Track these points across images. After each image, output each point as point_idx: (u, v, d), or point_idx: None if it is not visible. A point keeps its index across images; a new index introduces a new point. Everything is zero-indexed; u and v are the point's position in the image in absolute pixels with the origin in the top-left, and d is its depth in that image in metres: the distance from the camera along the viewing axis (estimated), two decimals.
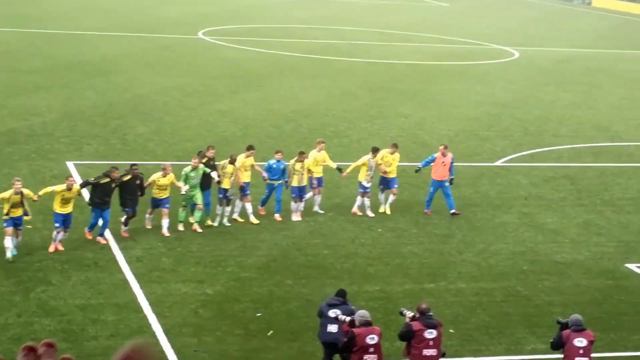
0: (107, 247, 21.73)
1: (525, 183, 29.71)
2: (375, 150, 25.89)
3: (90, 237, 22.05)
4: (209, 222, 24.06)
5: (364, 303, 17.79)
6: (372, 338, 14.99)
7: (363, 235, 24.06)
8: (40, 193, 21.54)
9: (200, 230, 23.28)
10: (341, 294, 16.36)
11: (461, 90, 46.96)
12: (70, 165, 28.37)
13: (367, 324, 15.11)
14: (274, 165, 24.95)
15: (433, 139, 34.88)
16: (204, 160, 24.27)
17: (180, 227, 23.29)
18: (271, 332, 17.88)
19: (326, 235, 23.84)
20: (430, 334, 15.20)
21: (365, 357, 14.84)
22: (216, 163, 24.60)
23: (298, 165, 24.95)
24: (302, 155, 25.16)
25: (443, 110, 41.36)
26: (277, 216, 24.76)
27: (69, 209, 21.52)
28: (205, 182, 24.07)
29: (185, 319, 18.20)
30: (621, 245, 24.43)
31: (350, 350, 14.91)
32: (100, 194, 21.99)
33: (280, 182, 24.86)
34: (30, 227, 21.41)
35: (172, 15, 72.40)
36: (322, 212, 25.16)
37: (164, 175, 23.33)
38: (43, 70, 45.29)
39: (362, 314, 15.28)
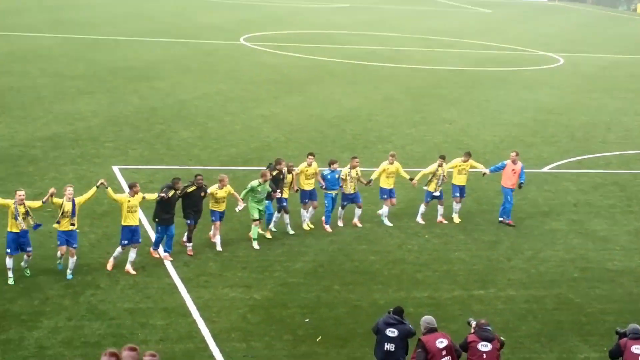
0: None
1: (573, 190, 29.44)
2: (442, 158, 25.55)
3: (156, 255, 21.43)
4: (268, 234, 23.63)
5: (413, 310, 17.62)
6: (442, 342, 14.86)
7: (410, 241, 23.91)
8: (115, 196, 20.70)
9: (257, 247, 22.59)
10: (398, 311, 16.21)
11: (505, 96, 46.77)
12: (115, 169, 28.50)
13: (432, 330, 15.00)
14: (329, 176, 24.44)
15: (478, 145, 34.73)
16: (274, 173, 23.34)
17: (256, 246, 22.65)
18: (320, 337, 17.78)
19: (372, 242, 23.68)
20: (485, 346, 15.03)
21: None
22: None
23: (354, 172, 24.58)
24: (354, 160, 24.79)
25: (487, 116, 41.23)
26: (327, 227, 24.50)
27: (135, 220, 20.63)
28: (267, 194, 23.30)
29: (233, 323, 18.11)
30: None
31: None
32: (165, 207, 21.04)
33: (337, 191, 24.51)
34: (76, 229, 21.22)
35: (214, 22, 72.94)
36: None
37: (221, 187, 22.24)
38: (86, 76, 45.70)
39: (427, 320, 15.16)
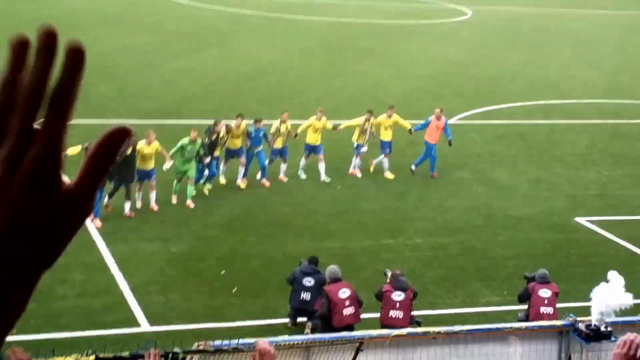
0: None
1: (478, 140, 29.81)
2: (370, 112, 25.47)
3: (99, 225, 20.27)
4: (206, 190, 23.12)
5: (325, 259, 17.73)
6: (344, 292, 15.09)
7: (323, 193, 24.01)
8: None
9: (192, 205, 22.04)
10: (313, 261, 16.40)
11: (416, 49, 46.85)
12: None
13: (336, 280, 15.22)
14: (253, 134, 23.85)
15: (389, 97, 34.68)
16: (212, 137, 22.63)
17: (190, 204, 22.07)
18: (235, 289, 17.90)
19: (287, 194, 23.73)
20: (398, 296, 15.32)
21: (343, 311, 14.96)
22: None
23: (283, 127, 24.31)
24: (284, 115, 24.51)
25: (399, 69, 41.28)
26: (264, 181, 24.11)
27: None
28: (211, 153, 22.70)
29: (151, 277, 18.14)
30: (569, 199, 24.66)
31: (330, 310, 15.00)
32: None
33: (260, 148, 24.10)
34: None
35: None
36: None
37: (148, 144, 21.17)
38: (4, 28, 44.48)
39: (332, 270, 15.38)
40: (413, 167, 25.78)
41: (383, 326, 14.96)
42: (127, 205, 21.11)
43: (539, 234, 22.19)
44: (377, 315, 16.03)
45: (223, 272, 18.64)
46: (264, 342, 6.33)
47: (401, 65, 42.03)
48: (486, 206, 23.92)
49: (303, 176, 24.84)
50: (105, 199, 21.12)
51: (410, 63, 42.81)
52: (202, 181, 22.97)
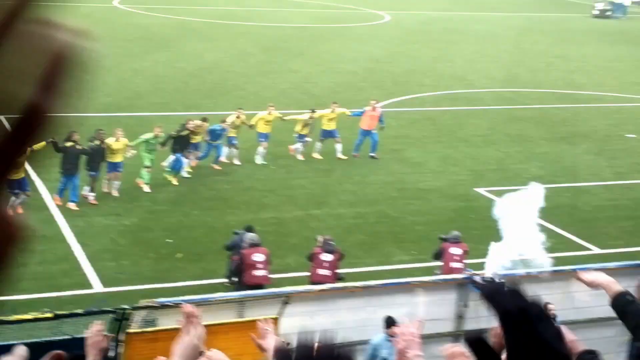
0: (37, 189, 20.79)
1: (394, 125, 29.83)
2: (313, 111, 25.40)
3: (59, 202, 20.00)
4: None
5: (260, 228, 17.75)
6: (259, 256, 15.13)
7: (259, 172, 23.99)
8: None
9: (148, 189, 21.59)
10: (248, 229, 16.38)
11: (340, 48, 46.93)
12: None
13: (254, 245, 15.23)
14: (218, 132, 23.74)
15: (318, 89, 34.99)
16: (183, 133, 22.38)
17: (146, 189, 21.62)
18: (180, 254, 17.84)
19: (228, 174, 23.64)
20: (326, 257, 15.42)
21: (254, 272, 15.00)
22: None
23: (238, 121, 24.28)
24: (240, 111, 24.64)
25: (326, 66, 41.36)
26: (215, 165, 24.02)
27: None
28: (180, 147, 22.37)
29: (104, 246, 17.99)
30: (472, 173, 24.94)
31: (242, 269, 15.04)
32: (70, 159, 19.70)
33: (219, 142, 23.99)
34: None
35: None
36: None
37: (117, 140, 20.85)
38: None
39: (250, 236, 15.41)
40: (354, 153, 25.86)
41: (312, 283, 15.03)
42: (92, 194, 20.57)
43: (445, 202, 22.45)
44: (304, 273, 16.13)
45: (168, 240, 18.58)
46: (187, 305, 6.25)
47: (327, 63, 42.11)
48: (400, 181, 24.11)
49: (259, 161, 24.71)
50: (87, 191, 20.58)
51: (335, 61, 42.91)
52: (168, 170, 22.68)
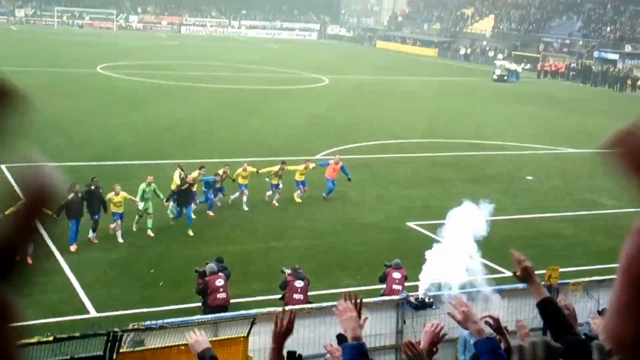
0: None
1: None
2: (284, 163, 24.98)
3: (75, 249, 19.20)
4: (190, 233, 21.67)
5: (229, 258, 17.59)
6: (220, 281, 15.03)
7: (227, 211, 23.81)
8: None
9: (152, 234, 20.97)
10: (220, 260, 16.22)
11: (290, 106, 47.14)
12: (3, 168, 26.72)
13: (213, 273, 15.12)
14: (211, 181, 23.36)
15: (271, 141, 35.01)
16: (184, 187, 21.64)
17: (150, 233, 20.98)
18: (161, 283, 17.56)
19: (201, 213, 23.38)
20: (299, 283, 15.36)
21: (217, 295, 14.88)
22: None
23: (224, 174, 23.78)
24: (225, 167, 24.14)
25: (277, 121, 41.41)
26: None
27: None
28: (185, 199, 21.79)
29: (97, 277, 17.66)
30: (402, 210, 25.08)
31: (206, 293, 14.92)
32: (74, 207, 19.04)
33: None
34: None
35: (77, 55, 69.72)
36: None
37: (117, 194, 20.10)
38: None
39: (211, 266, 15.30)
40: (324, 195, 25.83)
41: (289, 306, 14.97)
42: (93, 234, 19.99)
43: (381, 235, 22.51)
44: (268, 297, 16.02)
45: (152, 270, 18.30)
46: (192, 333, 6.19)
47: (278, 118, 42.19)
48: (344, 217, 24.15)
49: (245, 208, 24.08)
50: (90, 234, 19.99)
51: (284, 116, 43.01)
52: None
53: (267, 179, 24.83)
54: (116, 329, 11.32)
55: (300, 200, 25.33)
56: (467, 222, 12.78)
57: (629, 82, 70.50)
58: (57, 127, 35.96)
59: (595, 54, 79.31)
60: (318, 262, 19.66)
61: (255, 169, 24.68)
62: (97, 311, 15.92)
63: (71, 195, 19.03)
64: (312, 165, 25.92)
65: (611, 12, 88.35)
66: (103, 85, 52.30)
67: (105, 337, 11.19)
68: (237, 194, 24.41)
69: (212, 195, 23.50)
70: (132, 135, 35.21)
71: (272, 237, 21.69)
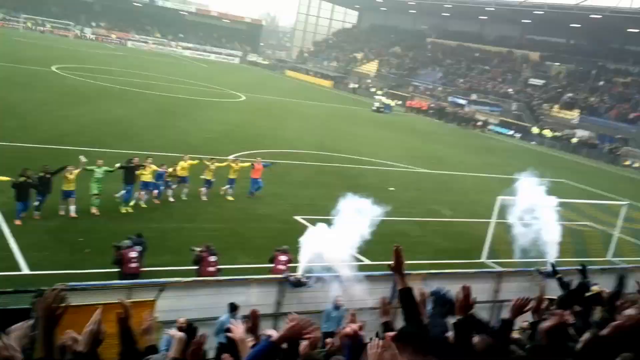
0: None
1: (245, 170, 29.64)
2: (213, 158, 24.16)
3: (20, 223, 17.81)
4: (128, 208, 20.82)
5: (148, 234, 16.90)
6: (133, 253, 14.54)
7: (148, 202, 22.99)
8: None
9: (98, 213, 19.81)
10: (139, 235, 15.63)
11: (210, 115, 46.26)
12: None
13: (129, 246, 14.62)
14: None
15: (194, 140, 34.24)
16: (129, 165, 20.77)
17: (94, 211, 19.83)
18: (88, 250, 16.75)
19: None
20: (213, 258, 15.02)
21: (130, 265, 14.38)
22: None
23: (172, 170, 22.79)
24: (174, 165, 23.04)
25: (200, 126, 40.54)
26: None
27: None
28: (130, 177, 20.69)
29: (33, 241, 16.64)
30: (293, 206, 24.96)
31: (121, 263, 14.40)
32: (24, 190, 17.97)
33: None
34: None
35: (37, 54, 65.86)
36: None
37: (70, 174, 19.04)
38: None
39: (126, 242, 14.77)
40: (249, 194, 25.24)
41: (202, 276, 14.58)
42: (37, 212, 18.71)
43: (274, 224, 22.33)
44: (176, 268, 15.58)
45: (81, 239, 17.43)
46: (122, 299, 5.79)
47: (201, 124, 41.31)
48: (245, 208, 23.84)
49: (184, 197, 23.22)
50: (35, 212, 18.69)
51: (206, 123, 42.15)
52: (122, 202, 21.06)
53: (202, 176, 24.03)
54: (44, 287, 10.64)
55: (225, 194, 24.61)
56: (352, 220, 12.88)
57: (472, 122, 73.56)
58: (13, 113, 33.87)
59: (450, 98, 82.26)
60: (221, 243, 19.24)
61: (192, 161, 23.55)
62: (30, 270, 15.03)
63: (22, 179, 17.94)
64: (240, 166, 25.14)
65: (464, 68, 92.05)
66: (56, 82, 49.66)
67: (34, 293, 10.51)
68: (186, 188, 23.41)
69: (162, 187, 22.57)
70: (77, 126, 33.55)
71: (185, 219, 21.14)
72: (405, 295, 5.46)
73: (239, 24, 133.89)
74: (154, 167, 21.84)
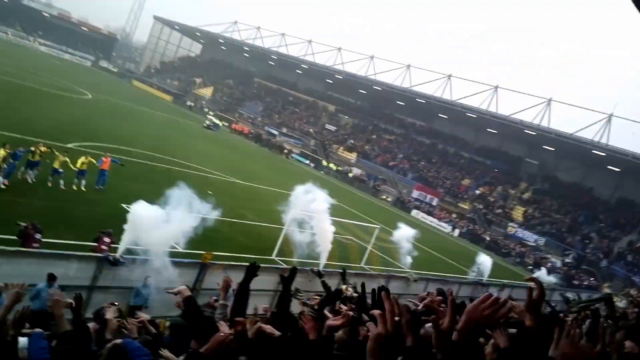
0: None
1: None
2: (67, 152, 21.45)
3: None
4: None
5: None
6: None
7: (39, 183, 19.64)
8: None
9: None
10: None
11: (58, 107, 41.09)
12: None
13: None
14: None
15: (39, 128, 30.08)
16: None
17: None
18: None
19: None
20: (38, 235, 13.28)
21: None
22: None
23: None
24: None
25: (47, 115, 35.85)
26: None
27: None
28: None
29: None
30: (122, 195, 22.59)
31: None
32: None
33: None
34: None
35: None
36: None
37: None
38: None
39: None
40: (97, 187, 22.55)
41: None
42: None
43: (102, 209, 20.39)
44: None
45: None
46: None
47: (48, 114, 36.58)
48: (76, 192, 21.48)
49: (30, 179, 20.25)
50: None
51: (53, 113, 37.35)
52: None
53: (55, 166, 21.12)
54: None
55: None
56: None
57: (280, 149, 75.77)
58: None
59: (266, 127, 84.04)
60: (50, 219, 17.16)
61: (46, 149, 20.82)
62: None
63: None
64: (91, 159, 22.75)
65: (280, 106, 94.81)
66: None
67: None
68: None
69: (14, 167, 19.48)
70: None
71: (17, 195, 18.42)
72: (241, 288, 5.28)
73: (96, 34, 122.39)
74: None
